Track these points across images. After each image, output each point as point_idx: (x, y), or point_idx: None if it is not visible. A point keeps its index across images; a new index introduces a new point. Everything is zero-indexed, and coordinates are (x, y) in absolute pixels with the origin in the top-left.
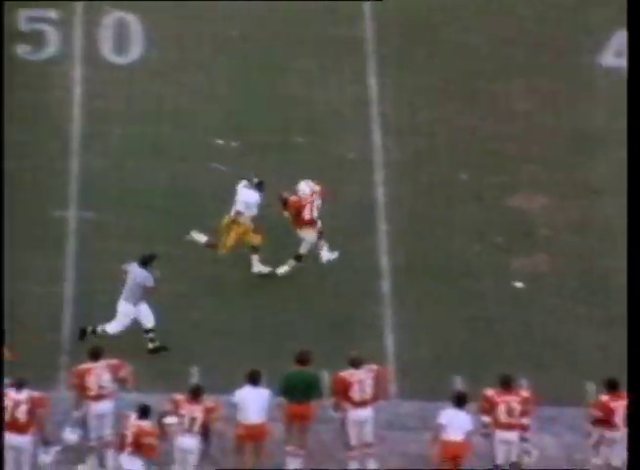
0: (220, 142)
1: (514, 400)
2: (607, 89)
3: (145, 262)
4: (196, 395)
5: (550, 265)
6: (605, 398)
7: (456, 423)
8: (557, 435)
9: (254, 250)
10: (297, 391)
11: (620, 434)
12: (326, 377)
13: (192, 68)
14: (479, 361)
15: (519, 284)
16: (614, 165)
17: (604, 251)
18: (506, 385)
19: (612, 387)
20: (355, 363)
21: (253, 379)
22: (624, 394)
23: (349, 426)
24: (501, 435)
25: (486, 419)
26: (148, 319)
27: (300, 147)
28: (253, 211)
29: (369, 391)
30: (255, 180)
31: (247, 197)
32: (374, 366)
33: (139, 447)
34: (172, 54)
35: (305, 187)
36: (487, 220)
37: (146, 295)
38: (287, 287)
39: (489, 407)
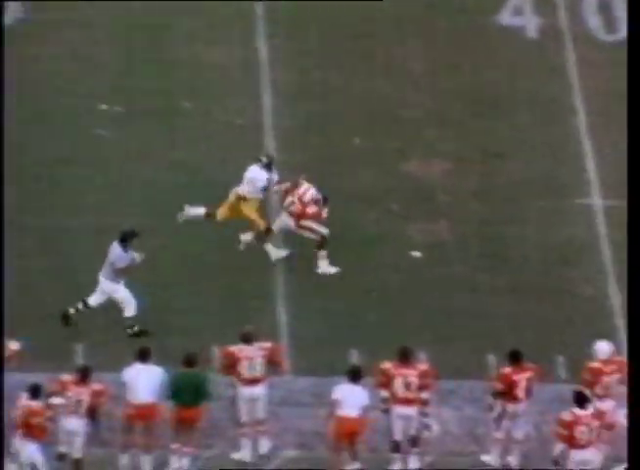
0: (104, 107)
1: (412, 374)
2: (506, 49)
3: (124, 239)
4: (83, 376)
5: (451, 233)
6: (507, 370)
7: (351, 398)
8: (457, 408)
9: (260, 236)
10: (186, 394)
11: (523, 407)
12: (216, 353)
13: (72, 29)
14: (376, 333)
15: (416, 253)
16: (515, 128)
17: (506, 217)
18: (404, 357)
19: (514, 359)
20: (246, 339)
21: (143, 356)
22: (527, 366)
23: (240, 403)
24: (399, 410)
25: (384, 394)
26: (99, 297)
27: (187, 112)
28: (259, 192)
29: (259, 368)
30: (265, 159)
31: (253, 174)
32: (266, 344)
33: (29, 429)
34: (51, 14)
35: (303, 189)
36: (384, 187)
37: (122, 274)
38: (175, 261)
39: (387, 381)
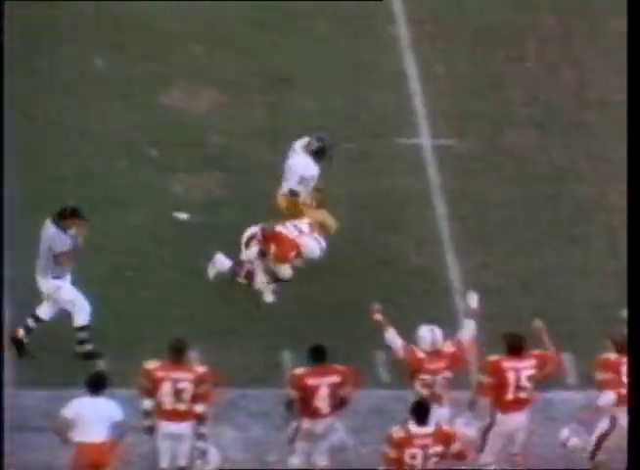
0: None
1: (185, 378)
2: None
3: (60, 218)
4: None
5: (227, 188)
6: (301, 371)
7: (92, 416)
8: (242, 427)
9: None
10: None
11: (326, 422)
12: None
13: None
14: (131, 326)
15: (182, 215)
16: (310, 43)
17: None
18: (176, 354)
19: (316, 357)
20: None
21: None
22: (333, 367)
23: None
24: (165, 427)
25: (147, 405)
26: (78, 312)
27: None
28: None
29: None
30: (316, 144)
31: (306, 170)
32: None
33: None
34: None
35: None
36: (136, 125)
37: (66, 264)
38: None
39: (152, 387)
